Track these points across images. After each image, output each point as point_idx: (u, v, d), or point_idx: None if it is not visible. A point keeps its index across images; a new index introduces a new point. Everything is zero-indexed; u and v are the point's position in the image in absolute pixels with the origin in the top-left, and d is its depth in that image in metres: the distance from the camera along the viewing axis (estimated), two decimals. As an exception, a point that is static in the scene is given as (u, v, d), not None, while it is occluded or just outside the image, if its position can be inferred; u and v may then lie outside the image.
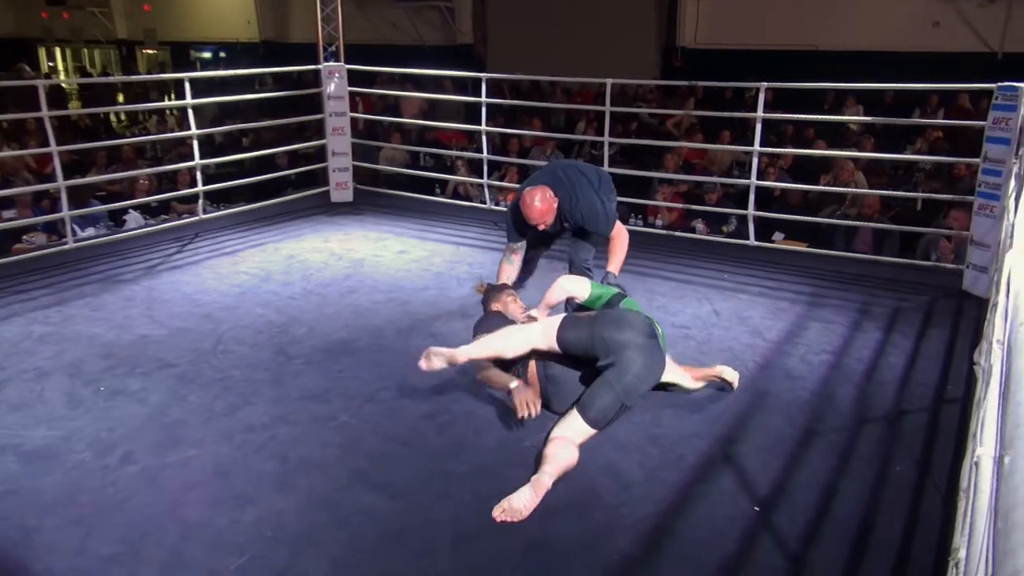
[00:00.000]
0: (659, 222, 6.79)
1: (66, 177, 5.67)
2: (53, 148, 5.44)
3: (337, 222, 6.54)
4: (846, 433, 3.16)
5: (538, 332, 3.13)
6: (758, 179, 5.90)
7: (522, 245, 4.11)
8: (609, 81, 6.12)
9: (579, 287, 3.42)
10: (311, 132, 8.53)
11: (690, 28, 12.65)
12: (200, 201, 6.37)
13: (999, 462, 1.19)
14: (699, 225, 6.66)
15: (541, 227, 3.82)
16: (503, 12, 14.43)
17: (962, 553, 1.47)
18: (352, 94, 7.26)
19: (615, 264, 3.89)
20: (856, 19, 11.06)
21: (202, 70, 17.33)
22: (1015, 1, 10.29)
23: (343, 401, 3.38)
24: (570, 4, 13.33)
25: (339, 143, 7.10)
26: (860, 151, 7.48)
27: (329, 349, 3.94)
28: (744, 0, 11.99)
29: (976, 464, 1.55)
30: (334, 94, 6.98)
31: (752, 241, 5.83)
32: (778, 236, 6.32)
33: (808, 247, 5.98)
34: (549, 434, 2.91)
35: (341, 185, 7.21)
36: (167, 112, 12.16)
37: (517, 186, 5.21)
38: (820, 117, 8.08)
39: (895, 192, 6.53)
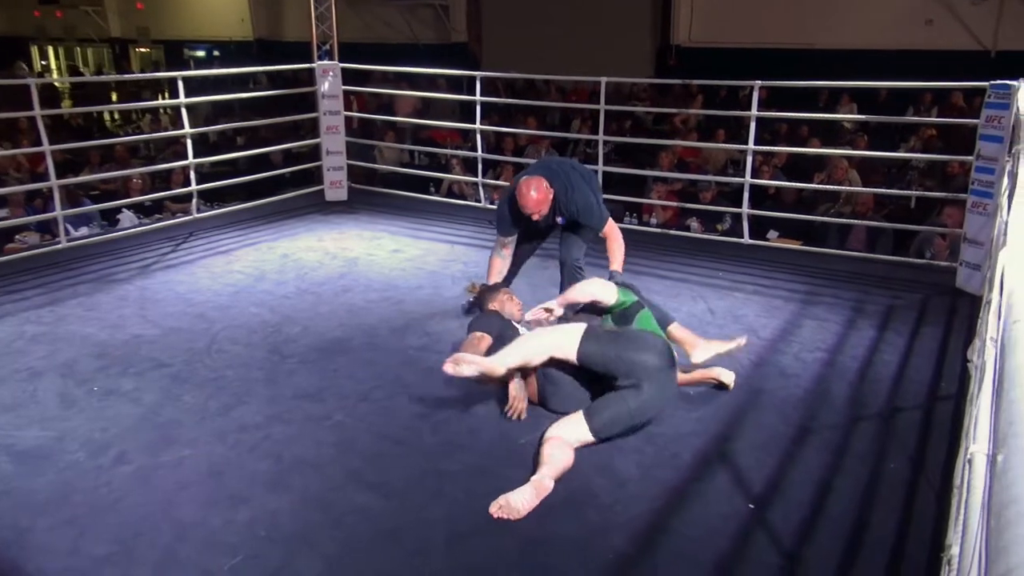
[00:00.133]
0: (654, 220, 6.79)
1: (59, 176, 5.64)
2: (46, 147, 5.42)
3: (331, 221, 6.53)
4: (840, 430, 3.17)
5: (560, 339, 3.02)
6: (752, 177, 5.91)
7: (513, 239, 4.09)
8: (603, 79, 6.12)
9: (606, 292, 3.29)
10: (305, 131, 8.51)
11: (684, 27, 12.66)
12: (194, 200, 6.35)
13: (992, 459, 1.19)
14: (694, 223, 6.66)
15: (536, 217, 3.80)
16: (497, 10, 14.43)
17: (955, 550, 1.47)
18: (346, 93, 7.25)
19: (617, 263, 3.87)
20: (850, 18, 11.08)
21: (196, 69, 17.27)
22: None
23: (337, 400, 3.37)
24: (565, 3, 13.34)
25: (333, 142, 7.09)
26: (854, 149, 7.49)
27: (323, 348, 3.94)
28: (738, -1, 12.02)
29: (969, 461, 1.55)
30: (328, 93, 6.97)
31: (746, 239, 5.84)
32: (772, 234, 6.34)
33: (802, 245, 5.99)
34: (547, 432, 2.90)
35: (335, 184, 7.19)
36: (161, 111, 12.13)
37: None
38: (814, 115, 8.09)
39: (889, 190, 6.54)
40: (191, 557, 2.37)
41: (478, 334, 3.33)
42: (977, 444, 1.54)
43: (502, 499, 2.58)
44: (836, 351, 3.95)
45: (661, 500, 2.68)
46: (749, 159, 5.82)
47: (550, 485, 2.62)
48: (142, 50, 20.53)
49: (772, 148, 7.32)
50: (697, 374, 3.45)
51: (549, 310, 3.37)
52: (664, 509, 2.63)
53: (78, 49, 21.81)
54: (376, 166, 8.20)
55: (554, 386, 3.17)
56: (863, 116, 8.71)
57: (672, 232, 6.35)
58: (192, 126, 6.36)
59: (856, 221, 6.22)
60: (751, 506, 2.65)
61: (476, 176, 6.96)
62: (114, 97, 14.71)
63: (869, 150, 7.56)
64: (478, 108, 6.73)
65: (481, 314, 3.62)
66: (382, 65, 7.94)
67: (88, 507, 2.61)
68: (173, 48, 19.54)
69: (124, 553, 2.39)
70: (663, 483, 2.77)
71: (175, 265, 5.32)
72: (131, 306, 4.52)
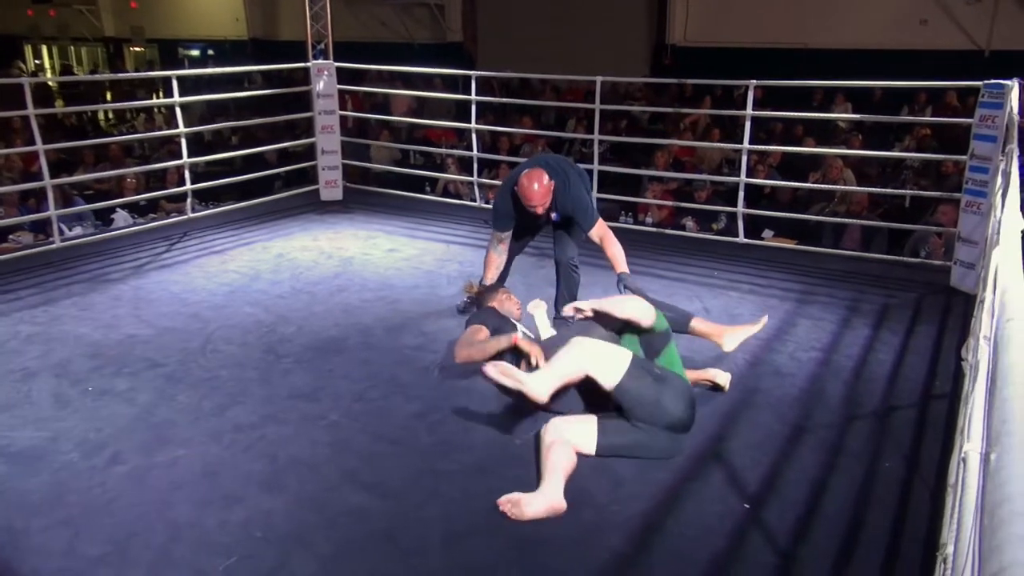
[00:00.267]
0: (649, 220, 6.80)
1: (53, 176, 5.62)
2: (39, 147, 5.40)
3: (327, 220, 6.52)
4: (835, 429, 3.17)
5: (604, 367, 2.82)
6: (748, 177, 5.92)
7: (509, 234, 4.07)
8: (599, 79, 6.12)
9: (646, 314, 3.14)
10: (300, 130, 8.49)
11: (679, 26, 12.67)
12: (188, 200, 6.34)
13: (986, 458, 1.20)
14: (689, 223, 6.67)
15: (539, 210, 3.77)
16: (493, 10, 14.43)
17: (950, 549, 1.47)
18: (341, 92, 7.24)
19: (621, 264, 3.81)
20: (845, 17, 11.11)
21: (190, 68, 17.24)
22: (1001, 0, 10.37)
23: (333, 400, 3.37)
24: (560, 2, 13.34)
25: (328, 141, 7.08)
26: (849, 149, 7.51)
27: (319, 348, 3.93)
28: (733, -2, 12.03)
29: (963, 460, 1.55)
30: (323, 92, 6.96)
31: (742, 239, 5.84)
32: (767, 233, 6.34)
33: (797, 244, 6.00)
34: (551, 424, 2.83)
35: (331, 183, 7.18)
36: (155, 110, 12.09)
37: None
38: (809, 115, 8.11)
39: (883, 190, 6.56)
40: (185, 557, 2.36)
41: (476, 325, 3.35)
42: (971, 443, 1.55)
43: (514, 497, 2.56)
44: (831, 350, 3.96)
45: (657, 499, 2.68)
46: (744, 158, 5.82)
47: (563, 507, 2.57)
48: (136, 49, 20.46)
49: (767, 147, 7.33)
50: (692, 375, 3.44)
51: (580, 310, 3.24)
52: (660, 508, 2.63)
53: (72, 48, 21.73)
54: (372, 165, 8.19)
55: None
56: (858, 116, 8.72)
57: (667, 231, 6.35)
58: (187, 125, 6.34)
59: (851, 220, 6.23)
60: (746, 505, 2.65)
61: (472, 175, 6.95)
62: (108, 96, 14.66)
63: (864, 149, 7.57)
64: (473, 107, 6.73)
65: (479, 311, 3.63)
66: (377, 64, 7.92)
67: (82, 507, 2.61)
68: (168, 47, 19.47)
69: (118, 554, 2.38)
70: (659, 483, 2.77)
71: (170, 265, 5.31)
72: (125, 306, 4.51)
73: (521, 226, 4.08)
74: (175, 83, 6.07)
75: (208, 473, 2.81)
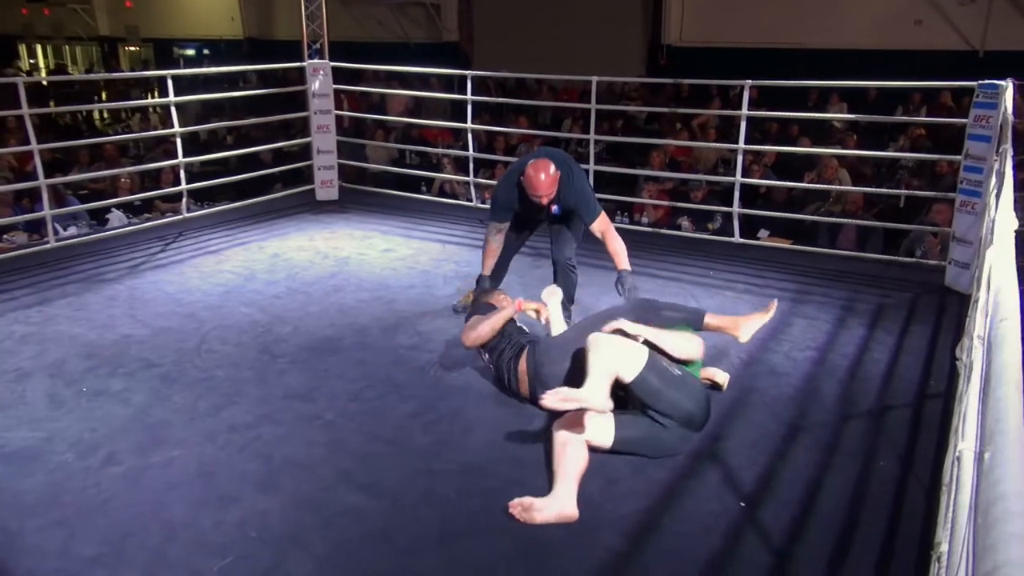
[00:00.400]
0: (645, 219, 6.81)
1: (48, 176, 5.61)
2: (34, 146, 5.38)
3: (322, 220, 6.51)
4: (830, 428, 3.18)
5: (626, 360, 2.81)
6: (743, 176, 5.93)
7: (506, 226, 4.03)
8: (595, 78, 6.12)
9: (698, 351, 3.18)
10: (296, 130, 8.48)
11: (675, 26, 12.68)
12: (184, 200, 6.32)
13: (980, 457, 1.20)
14: (685, 222, 6.68)
15: (544, 200, 3.73)
16: (489, 9, 14.42)
17: (944, 547, 1.48)
18: (337, 92, 7.23)
19: (623, 261, 3.82)
20: (840, 18, 11.13)
21: (186, 67, 17.19)
22: (995, 0, 10.39)
23: (328, 400, 3.37)
24: (556, 2, 13.34)
25: (324, 141, 7.07)
26: (844, 148, 7.52)
27: (314, 348, 3.93)
28: (729, -2, 12.05)
29: (958, 459, 1.56)
30: (319, 92, 6.95)
31: (737, 238, 5.85)
32: (763, 233, 6.35)
33: (793, 244, 6.02)
34: (568, 418, 2.78)
35: (326, 183, 7.17)
36: (150, 110, 12.06)
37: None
38: (804, 115, 8.12)
39: (878, 189, 6.57)
40: (181, 558, 2.36)
41: (477, 316, 3.41)
42: (965, 441, 1.56)
43: (526, 501, 2.54)
44: (826, 350, 3.97)
45: (652, 498, 2.68)
46: (740, 158, 5.83)
47: (575, 515, 2.55)
48: (131, 48, 20.40)
49: (762, 147, 7.34)
50: None
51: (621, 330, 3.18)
52: (655, 507, 2.64)
53: (67, 47, 21.66)
54: (368, 165, 8.18)
55: (543, 388, 3.15)
56: (853, 115, 8.75)
57: (663, 231, 6.36)
58: (182, 125, 6.33)
59: (846, 220, 6.25)
60: (742, 504, 2.66)
61: (467, 175, 6.95)
62: (103, 96, 14.62)
63: (859, 149, 7.59)
64: (469, 107, 6.72)
65: (476, 307, 3.65)
66: (373, 64, 7.92)
67: (77, 508, 2.60)
68: (163, 46, 19.44)
69: (114, 554, 2.38)
70: (654, 481, 2.77)
71: (165, 265, 5.30)
72: (120, 306, 4.50)
73: (519, 219, 4.04)
74: (170, 82, 6.05)
75: (203, 473, 2.81)
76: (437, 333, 4.10)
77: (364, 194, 7.41)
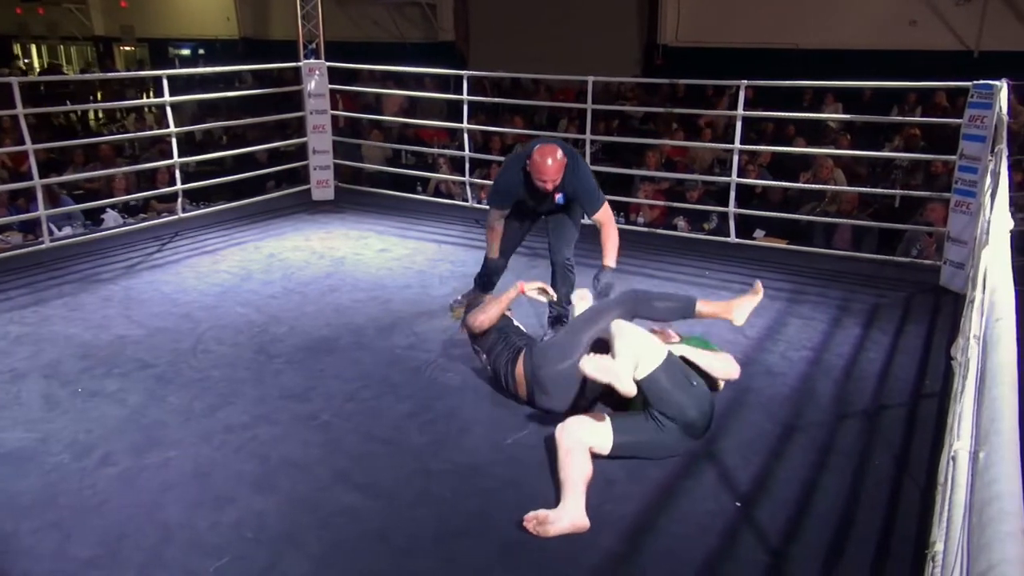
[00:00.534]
0: (641, 219, 6.81)
1: (43, 176, 5.59)
2: (28, 146, 5.37)
3: (318, 220, 6.50)
4: (826, 428, 3.19)
5: (649, 352, 2.81)
6: (739, 177, 5.94)
7: (506, 212, 3.97)
8: (591, 78, 6.13)
9: (735, 370, 3.20)
10: (292, 130, 8.46)
11: (671, 26, 12.69)
12: (179, 200, 6.31)
13: (975, 457, 1.21)
14: (680, 222, 6.69)
15: (549, 186, 3.66)
16: (485, 9, 14.41)
17: (939, 546, 1.48)
18: (333, 92, 7.22)
19: (611, 257, 3.77)
20: (835, 18, 11.14)
21: (181, 67, 17.15)
22: (990, 0, 10.41)
23: (324, 400, 3.36)
24: (552, 2, 13.33)
25: (320, 141, 7.06)
26: (839, 149, 7.54)
27: (310, 348, 3.92)
28: (725, -1, 12.06)
29: (953, 458, 1.56)
30: (315, 91, 6.94)
31: (733, 238, 5.86)
32: (759, 233, 6.36)
33: (788, 244, 6.02)
34: (566, 426, 2.76)
35: (322, 183, 7.17)
36: (145, 110, 12.02)
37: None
38: (799, 115, 8.13)
39: (874, 189, 6.59)
40: (177, 559, 2.36)
41: (482, 302, 3.50)
42: (960, 441, 1.56)
43: (541, 515, 2.52)
44: (822, 349, 3.97)
45: (649, 498, 2.69)
46: (735, 158, 5.84)
47: (586, 525, 2.53)
48: (126, 48, 20.34)
49: (758, 147, 7.35)
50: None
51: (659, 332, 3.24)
52: (652, 507, 2.64)
53: (62, 47, 21.59)
54: (363, 165, 8.18)
55: (540, 388, 3.15)
56: (848, 116, 8.76)
57: (659, 231, 6.37)
58: (177, 125, 6.32)
59: (841, 220, 6.26)
60: (738, 504, 2.66)
61: (463, 175, 6.95)
62: (99, 95, 14.58)
63: (854, 149, 7.60)
64: (465, 107, 6.72)
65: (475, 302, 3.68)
66: (369, 64, 7.90)
67: (73, 509, 2.59)
68: (158, 46, 19.37)
69: (109, 555, 2.37)
70: (651, 482, 2.78)
71: (160, 265, 5.29)
72: (116, 306, 4.48)
73: (519, 209, 3.98)
74: (166, 82, 6.04)
75: (199, 474, 2.80)
76: (433, 333, 4.10)
77: (360, 194, 7.40)
